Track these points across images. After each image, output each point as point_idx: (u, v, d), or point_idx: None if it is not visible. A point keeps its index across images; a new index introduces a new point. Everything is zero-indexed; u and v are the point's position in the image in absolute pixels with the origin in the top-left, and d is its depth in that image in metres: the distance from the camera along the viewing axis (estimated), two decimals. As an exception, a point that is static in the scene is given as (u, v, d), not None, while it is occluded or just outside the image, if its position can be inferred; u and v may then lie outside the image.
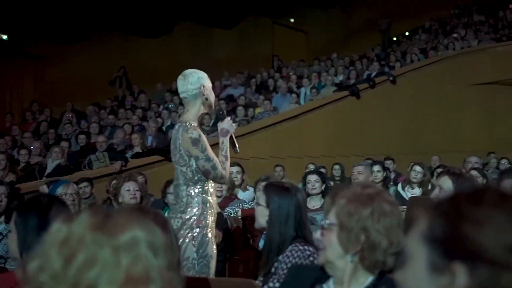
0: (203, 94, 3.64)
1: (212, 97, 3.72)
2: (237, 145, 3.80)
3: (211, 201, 3.63)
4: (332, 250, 1.82)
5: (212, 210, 3.62)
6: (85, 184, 7.19)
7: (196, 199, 3.52)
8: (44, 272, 1.06)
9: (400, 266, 1.00)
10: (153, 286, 1.06)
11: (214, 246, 3.57)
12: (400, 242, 1.76)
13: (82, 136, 10.22)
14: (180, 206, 3.53)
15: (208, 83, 3.69)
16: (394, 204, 1.87)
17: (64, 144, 9.74)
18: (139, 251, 1.07)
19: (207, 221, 3.54)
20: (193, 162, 3.52)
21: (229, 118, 3.85)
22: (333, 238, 1.81)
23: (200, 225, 3.49)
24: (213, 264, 3.55)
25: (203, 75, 3.69)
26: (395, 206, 1.86)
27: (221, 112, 3.90)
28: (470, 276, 0.87)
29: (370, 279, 1.83)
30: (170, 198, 5.46)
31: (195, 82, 3.63)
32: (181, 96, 3.70)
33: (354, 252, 1.80)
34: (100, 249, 1.05)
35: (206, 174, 3.53)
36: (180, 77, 3.68)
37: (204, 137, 3.55)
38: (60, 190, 4.44)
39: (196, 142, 3.49)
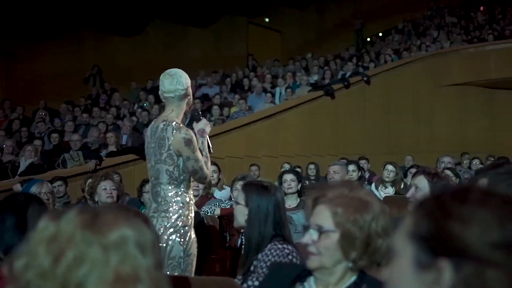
0: (188, 95, 3.67)
1: (191, 98, 3.77)
2: (211, 145, 3.83)
3: (193, 199, 3.69)
4: (330, 257, 1.79)
5: (193, 209, 3.66)
6: (59, 183, 7.11)
7: (181, 198, 3.55)
8: (31, 269, 1.06)
9: (386, 264, 1.02)
10: (141, 285, 1.06)
11: (196, 245, 3.60)
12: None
13: (55, 135, 10.09)
14: (164, 205, 3.53)
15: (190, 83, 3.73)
16: (381, 201, 1.88)
17: (37, 142, 9.61)
18: (127, 250, 1.07)
19: (191, 220, 3.57)
20: (180, 162, 3.54)
21: (204, 118, 3.88)
22: (330, 245, 1.78)
23: (186, 224, 3.52)
24: (195, 262, 3.58)
25: (187, 75, 3.72)
26: (382, 204, 1.87)
27: (196, 113, 3.92)
28: (456, 272, 0.89)
29: (353, 278, 1.84)
30: (146, 197, 5.43)
31: (183, 82, 3.64)
32: (166, 95, 3.66)
33: (354, 257, 1.79)
34: (90, 247, 1.05)
35: (194, 174, 3.57)
36: (166, 76, 3.65)
37: (195, 138, 3.60)
38: (34, 189, 4.38)
39: (189, 142, 3.53)
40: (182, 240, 3.49)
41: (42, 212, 2.38)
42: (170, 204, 3.53)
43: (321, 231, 1.78)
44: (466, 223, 0.90)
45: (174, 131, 3.54)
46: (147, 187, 4.64)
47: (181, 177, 3.57)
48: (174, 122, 3.58)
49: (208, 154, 3.73)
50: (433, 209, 0.94)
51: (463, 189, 0.97)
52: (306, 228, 1.84)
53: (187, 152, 3.52)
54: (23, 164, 8.61)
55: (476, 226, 0.89)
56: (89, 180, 5.37)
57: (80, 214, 1.10)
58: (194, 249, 3.57)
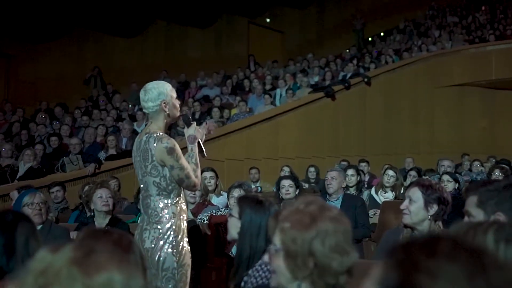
0: (164, 111, 3.60)
1: (174, 110, 3.67)
2: (204, 150, 3.77)
3: (184, 209, 3.65)
4: (282, 276, 1.77)
5: (186, 219, 3.65)
6: (57, 188, 7.13)
7: (171, 209, 3.53)
8: None
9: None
10: None
11: (190, 255, 3.58)
12: (350, 255, 1.73)
13: (54, 138, 10.06)
14: (154, 217, 3.51)
15: (170, 97, 3.63)
16: (337, 219, 1.79)
17: (39, 146, 9.57)
18: None
19: (183, 230, 3.56)
20: (166, 172, 3.51)
21: (195, 123, 3.80)
22: (280, 264, 1.77)
23: (178, 234, 3.50)
24: (189, 273, 3.57)
25: (164, 90, 3.62)
26: (338, 221, 1.79)
27: (187, 118, 3.86)
28: None
29: None
30: (142, 204, 5.41)
31: (154, 98, 3.58)
32: (143, 110, 3.72)
33: (303, 277, 1.75)
34: (73, 286, 1.04)
35: (180, 183, 3.54)
36: (141, 90, 3.65)
37: (178, 146, 3.54)
38: (26, 200, 4.37)
39: (171, 151, 3.48)
40: (174, 251, 3.48)
41: (31, 231, 2.36)
42: (161, 215, 3.51)
43: (273, 249, 1.80)
44: (434, 277, 0.89)
45: (156, 142, 3.50)
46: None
47: (170, 187, 3.54)
48: (156, 133, 3.55)
49: (198, 161, 3.68)
50: (402, 260, 0.93)
51: (432, 240, 0.96)
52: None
53: (170, 161, 3.49)
54: (22, 168, 8.59)
55: (444, 281, 0.88)
56: (86, 188, 5.37)
57: (75, 250, 1.10)
58: (187, 260, 3.55)
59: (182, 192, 3.66)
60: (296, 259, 1.73)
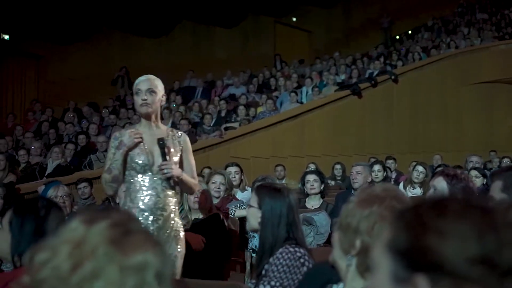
0: None
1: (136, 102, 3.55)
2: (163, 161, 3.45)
3: (138, 197, 3.43)
4: (335, 249, 1.80)
5: (145, 210, 3.42)
6: (84, 184, 7.19)
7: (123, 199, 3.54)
8: (48, 267, 1.05)
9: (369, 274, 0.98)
10: None
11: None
12: None
13: (82, 136, 10.19)
14: None
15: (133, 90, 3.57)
16: None
17: (70, 146, 9.70)
18: (145, 277, 1.05)
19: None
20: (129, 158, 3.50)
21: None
22: (336, 237, 1.80)
23: None
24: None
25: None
26: None
27: (161, 142, 3.46)
28: None
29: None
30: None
31: None
32: None
33: (352, 255, 1.74)
34: (109, 264, 1.03)
35: None
36: None
37: (117, 141, 3.46)
38: (50, 193, 4.42)
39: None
40: None
41: (61, 220, 2.35)
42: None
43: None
44: (443, 236, 0.86)
45: None
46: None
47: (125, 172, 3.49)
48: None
49: (114, 168, 3.42)
50: (411, 221, 0.90)
51: (442, 200, 0.93)
52: None
53: None
54: (50, 165, 8.74)
55: (454, 240, 0.86)
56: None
57: (111, 228, 1.08)
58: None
59: (147, 179, 3.45)
60: (346, 234, 1.73)
